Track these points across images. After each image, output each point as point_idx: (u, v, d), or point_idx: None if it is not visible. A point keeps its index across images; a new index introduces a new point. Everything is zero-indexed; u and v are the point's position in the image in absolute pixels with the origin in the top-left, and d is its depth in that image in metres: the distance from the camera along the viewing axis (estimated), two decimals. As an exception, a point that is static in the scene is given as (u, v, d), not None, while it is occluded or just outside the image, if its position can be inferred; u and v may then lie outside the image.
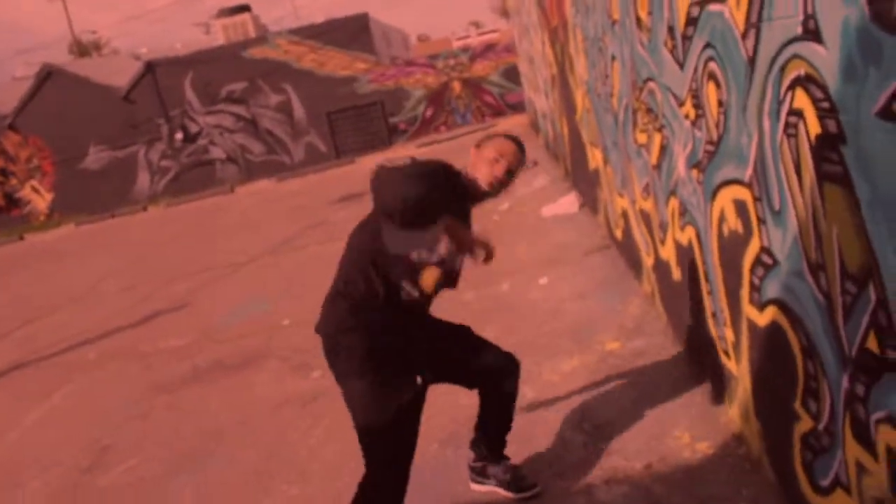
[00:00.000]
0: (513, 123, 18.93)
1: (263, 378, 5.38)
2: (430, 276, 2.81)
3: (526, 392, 4.00)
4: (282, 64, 20.50)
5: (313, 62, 20.42)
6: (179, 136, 20.97)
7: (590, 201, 7.76)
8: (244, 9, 22.95)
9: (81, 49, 48.73)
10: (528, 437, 3.58)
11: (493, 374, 3.13)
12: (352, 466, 3.71)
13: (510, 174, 2.92)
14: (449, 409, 3.96)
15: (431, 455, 3.68)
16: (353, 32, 20.41)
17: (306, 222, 11.92)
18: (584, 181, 8.01)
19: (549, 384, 4.23)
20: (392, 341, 2.84)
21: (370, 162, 17.69)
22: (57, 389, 6.20)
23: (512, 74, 21.31)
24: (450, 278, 2.93)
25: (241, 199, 18.21)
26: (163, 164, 21.58)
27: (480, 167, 2.90)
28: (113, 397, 5.71)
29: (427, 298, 2.92)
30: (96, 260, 13.77)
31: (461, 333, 3.16)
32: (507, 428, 3.31)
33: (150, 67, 20.95)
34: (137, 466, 4.40)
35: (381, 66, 21.22)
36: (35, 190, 22.33)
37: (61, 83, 21.25)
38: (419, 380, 2.87)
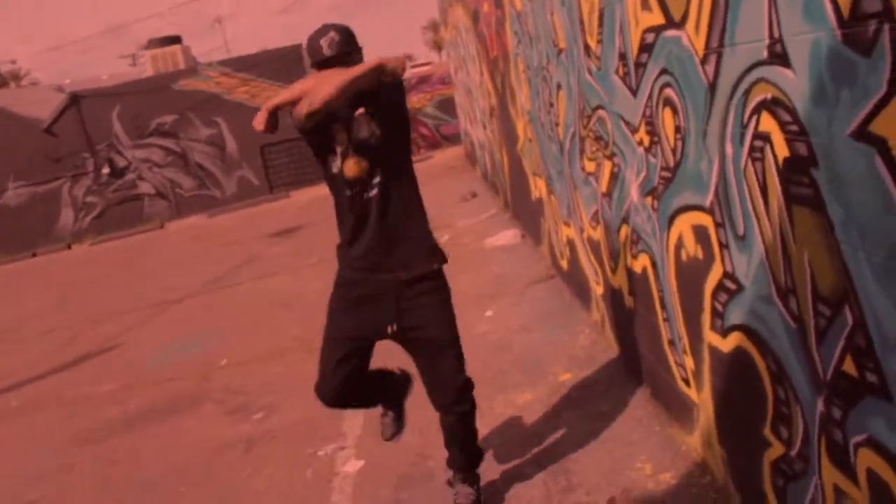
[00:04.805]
0: (448, 155, 19.00)
1: (199, 422, 5.13)
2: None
3: (480, 427, 3.90)
4: (213, 96, 20.12)
5: (245, 94, 20.12)
6: (106, 170, 20.29)
7: (532, 232, 7.77)
8: (174, 40, 22.49)
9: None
10: (485, 472, 3.48)
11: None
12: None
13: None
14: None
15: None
16: (286, 64, 20.20)
17: (240, 258, 11.62)
18: (525, 212, 8.02)
19: (503, 417, 4.14)
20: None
21: (305, 196, 17.49)
22: (-24, 439, 5.80)
23: (447, 106, 21.40)
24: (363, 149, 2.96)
25: (171, 236, 17.70)
26: (88, 200, 20.81)
27: None
28: (37, 448, 5.34)
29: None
30: (16, 301, 13.10)
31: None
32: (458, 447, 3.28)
33: (74, 99, 20.29)
34: (66, 520, 4.13)
35: (315, 99, 21.07)
36: (-51, 228, 21.29)
37: (-23, 115, 20.43)
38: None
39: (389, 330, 3.07)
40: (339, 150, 2.98)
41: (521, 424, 4.00)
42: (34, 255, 19.76)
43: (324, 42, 2.86)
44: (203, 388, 5.76)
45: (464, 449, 3.25)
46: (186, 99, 20.13)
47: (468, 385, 3.13)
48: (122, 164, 20.39)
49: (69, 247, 19.93)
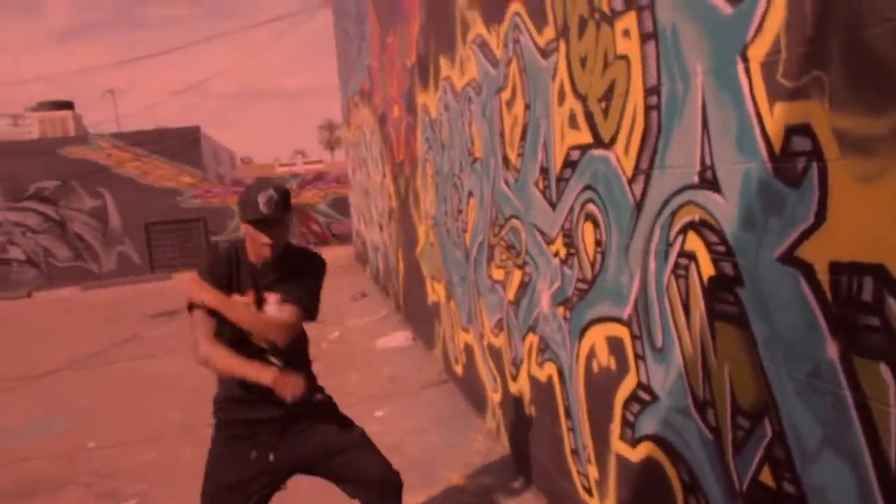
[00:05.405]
0: (337, 254, 18.88)
1: (63, 508, 4.73)
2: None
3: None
4: (101, 167, 19.51)
5: (136, 169, 19.63)
6: (-28, 231, 19.14)
7: (424, 335, 7.78)
8: (66, 105, 21.84)
9: None
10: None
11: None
12: None
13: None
14: None
15: None
16: (182, 145, 19.93)
17: (116, 336, 11.04)
18: (419, 315, 8.05)
19: (394, 520, 4.02)
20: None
21: (188, 278, 16.87)
22: None
23: (340, 205, 21.55)
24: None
25: (39, 306, 16.65)
26: (-54, 262, 19.45)
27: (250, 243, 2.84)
28: None
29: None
30: None
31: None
32: None
33: (-54, 155, 19.24)
34: None
35: (208, 182, 20.77)
36: None
37: None
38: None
39: (275, 456, 2.88)
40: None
41: (414, 528, 3.90)
42: None
43: (262, 198, 2.72)
44: (68, 471, 5.31)
45: None
46: (73, 166, 19.43)
47: (400, 480, 3.02)
48: (-9, 227, 19.25)
49: (-83, 310, 18.37)
